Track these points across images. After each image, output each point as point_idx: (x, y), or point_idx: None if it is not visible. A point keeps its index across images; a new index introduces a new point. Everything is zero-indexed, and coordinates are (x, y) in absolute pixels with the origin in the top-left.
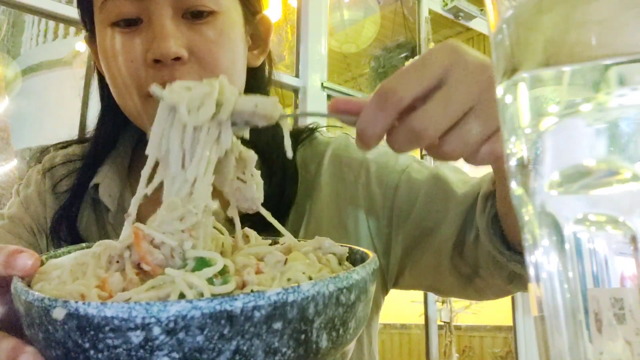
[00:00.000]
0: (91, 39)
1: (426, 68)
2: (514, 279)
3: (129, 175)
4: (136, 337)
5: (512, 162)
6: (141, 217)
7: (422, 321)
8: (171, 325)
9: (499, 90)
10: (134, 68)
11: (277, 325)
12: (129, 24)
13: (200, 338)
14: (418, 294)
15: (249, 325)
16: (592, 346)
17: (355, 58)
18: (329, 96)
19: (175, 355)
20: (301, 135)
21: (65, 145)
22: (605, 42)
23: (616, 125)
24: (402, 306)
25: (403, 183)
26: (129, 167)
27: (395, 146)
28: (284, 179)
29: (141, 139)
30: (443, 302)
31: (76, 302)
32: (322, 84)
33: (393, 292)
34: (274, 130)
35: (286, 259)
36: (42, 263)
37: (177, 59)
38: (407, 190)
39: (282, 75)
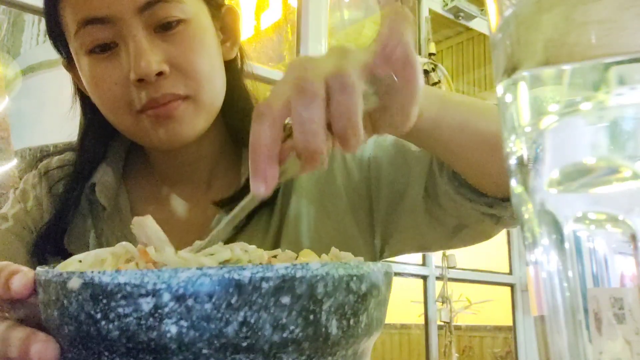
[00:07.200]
0: (69, 64)
1: (282, 80)
2: (499, 220)
3: (124, 177)
4: (147, 304)
5: (512, 161)
6: (137, 215)
7: (422, 321)
8: (181, 291)
9: (499, 89)
10: (119, 90)
11: (285, 299)
12: (105, 49)
13: (208, 306)
14: (418, 294)
15: (256, 296)
16: (592, 346)
17: None
18: None
19: (183, 323)
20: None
21: (60, 151)
22: (605, 41)
23: (616, 123)
24: (402, 306)
25: (372, 155)
26: (123, 168)
27: (301, 131)
28: None
29: (135, 143)
30: (443, 302)
31: (91, 271)
32: None
33: (393, 292)
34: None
35: (297, 256)
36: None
37: (160, 74)
38: (376, 160)
39: (282, 75)
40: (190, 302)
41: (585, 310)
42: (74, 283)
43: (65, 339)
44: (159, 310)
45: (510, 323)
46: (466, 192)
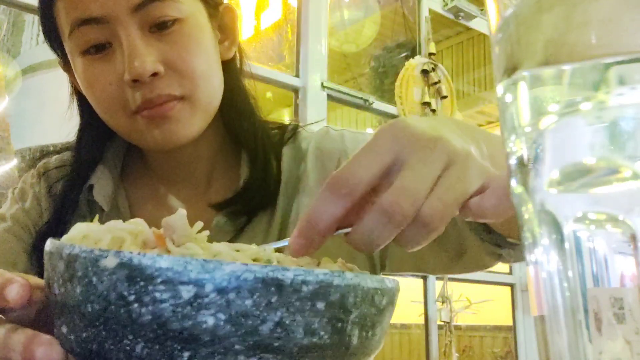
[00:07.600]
0: (66, 65)
1: (375, 151)
2: (500, 257)
3: (122, 178)
4: (187, 292)
5: (512, 161)
6: (136, 215)
7: (422, 321)
8: (224, 284)
9: (499, 89)
10: (114, 90)
11: (320, 305)
12: (99, 49)
13: (248, 302)
14: (418, 294)
15: (295, 299)
16: (592, 346)
17: (355, 58)
18: (329, 96)
19: (221, 316)
20: (286, 135)
21: (59, 150)
22: (606, 41)
23: (616, 123)
24: (402, 306)
25: None
26: (122, 170)
27: (366, 236)
28: (265, 175)
29: (132, 145)
30: (443, 302)
31: (130, 252)
32: (322, 83)
33: None
34: (255, 131)
35: (319, 262)
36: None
37: (155, 74)
38: None
39: (282, 75)
40: (231, 295)
41: (585, 310)
42: (110, 262)
43: (84, 317)
44: (199, 300)
45: (510, 323)
46: (475, 227)
